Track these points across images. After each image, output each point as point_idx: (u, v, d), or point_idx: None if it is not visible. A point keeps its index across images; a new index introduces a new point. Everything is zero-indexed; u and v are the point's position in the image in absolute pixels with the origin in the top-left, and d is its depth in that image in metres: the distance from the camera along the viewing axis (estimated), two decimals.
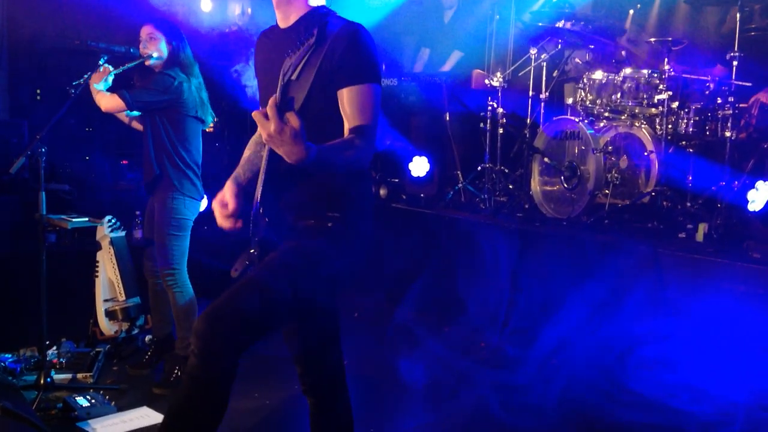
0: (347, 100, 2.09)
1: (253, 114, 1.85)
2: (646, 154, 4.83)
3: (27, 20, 7.21)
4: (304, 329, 2.29)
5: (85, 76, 3.76)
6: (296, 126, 1.81)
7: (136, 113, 3.95)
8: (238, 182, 2.28)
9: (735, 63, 4.47)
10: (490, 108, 5.77)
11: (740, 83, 4.51)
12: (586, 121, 5.00)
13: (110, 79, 3.81)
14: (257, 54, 2.42)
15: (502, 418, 3.49)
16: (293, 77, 1.93)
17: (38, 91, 7.27)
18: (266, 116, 1.82)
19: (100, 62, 3.78)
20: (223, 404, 2.05)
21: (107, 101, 3.75)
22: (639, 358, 3.77)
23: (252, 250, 2.19)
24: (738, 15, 4.50)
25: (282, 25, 2.28)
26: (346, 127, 2.10)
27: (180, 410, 2.05)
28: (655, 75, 4.79)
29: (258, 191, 2.17)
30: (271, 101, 1.82)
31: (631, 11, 5.83)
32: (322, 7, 2.25)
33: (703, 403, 3.36)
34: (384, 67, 6.50)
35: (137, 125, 4.04)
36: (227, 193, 2.22)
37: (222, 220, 2.20)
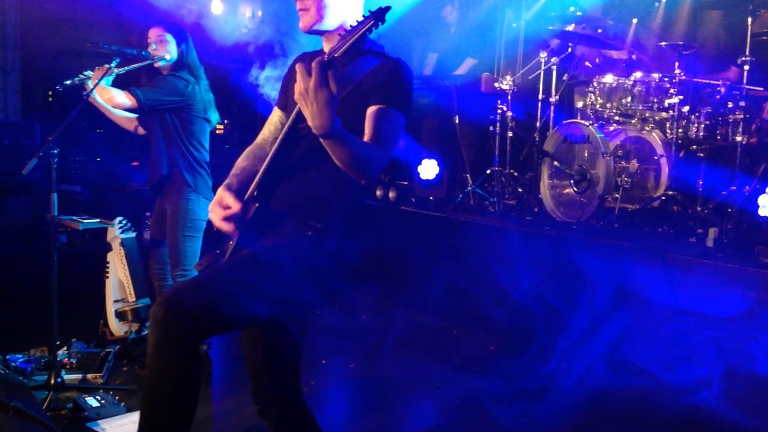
0: (373, 117, 2.10)
1: (297, 66, 1.87)
2: (656, 158, 4.81)
3: (39, 23, 7.26)
4: (265, 337, 2.18)
5: (81, 74, 3.77)
6: (334, 89, 1.84)
7: (134, 115, 3.96)
8: (232, 190, 2.23)
9: (746, 67, 4.45)
10: (499, 111, 5.77)
11: (751, 88, 4.49)
12: (596, 124, 4.99)
13: (111, 79, 3.82)
14: (291, 74, 2.40)
15: (507, 422, 3.49)
16: (337, 54, 1.93)
17: (50, 93, 7.32)
18: (309, 72, 1.85)
19: (112, 64, 3.80)
20: (189, 393, 1.97)
21: (116, 95, 3.73)
22: (650, 362, 3.77)
23: (230, 241, 2.17)
24: (749, 19, 4.48)
25: (326, 48, 2.30)
26: (366, 138, 2.09)
27: (149, 405, 1.98)
28: (666, 79, 4.77)
29: (255, 181, 2.17)
30: (316, 60, 1.85)
31: (646, 16, 5.81)
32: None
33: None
34: None
35: (142, 131, 4.06)
36: (226, 197, 2.17)
37: (221, 223, 2.15)
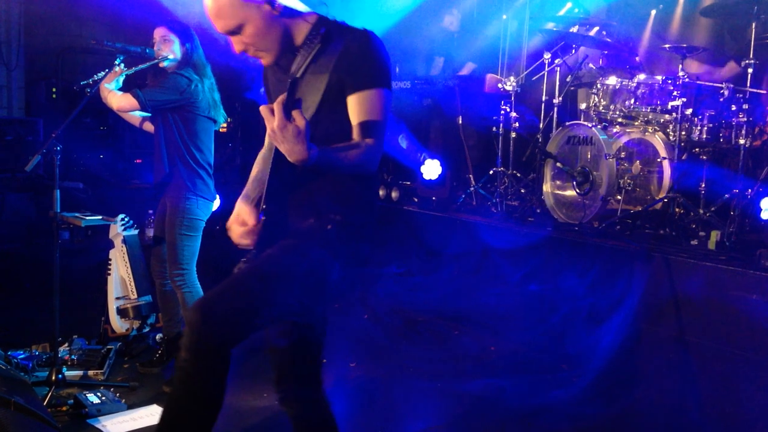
0: (356, 104, 2.07)
1: (261, 108, 1.86)
2: (659, 160, 4.81)
3: (43, 20, 7.28)
4: (290, 331, 2.22)
5: (95, 76, 3.79)
6: (300, 125, 1.82)
7: (146, 114, 3.97)
8: (249, 200, 2.27)
9: (750, 70, 4.44)
10: (502, 112, 5.77)
11: (755, 91, 4.49)
12: (599, 126, 4.98)
13: (121, 79, 3.84)
14: (267, 76, 2.39)
15: (509, 422, 3.49)
16: (297, 74, 1.93)
17: (54, 90, 7.34)
18: (273, 112, 1.84)
19: (116, 62, 3.81)
20: (217, 396, 2.04)
21: (119, 100, 3.75)
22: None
23: (252, 249, 2.19)
24: (754, 24, 4.48)
25: (297, 39, 2.24)
26: (355, 131, 2.08)
27: (175, 404, 2.06)
28: (669, 81, 4.76)
29: (263, 192, 2.17)
30: (279, 98, 1.83)
31: (650, 19, 5.81)
32: (325, 18, 2.20)
33: None
34: (398, 69, 6.51)
35: (148, 126, 4.06)
36: (243, 212, 2.18)
37: (239, 239, 2.17)
